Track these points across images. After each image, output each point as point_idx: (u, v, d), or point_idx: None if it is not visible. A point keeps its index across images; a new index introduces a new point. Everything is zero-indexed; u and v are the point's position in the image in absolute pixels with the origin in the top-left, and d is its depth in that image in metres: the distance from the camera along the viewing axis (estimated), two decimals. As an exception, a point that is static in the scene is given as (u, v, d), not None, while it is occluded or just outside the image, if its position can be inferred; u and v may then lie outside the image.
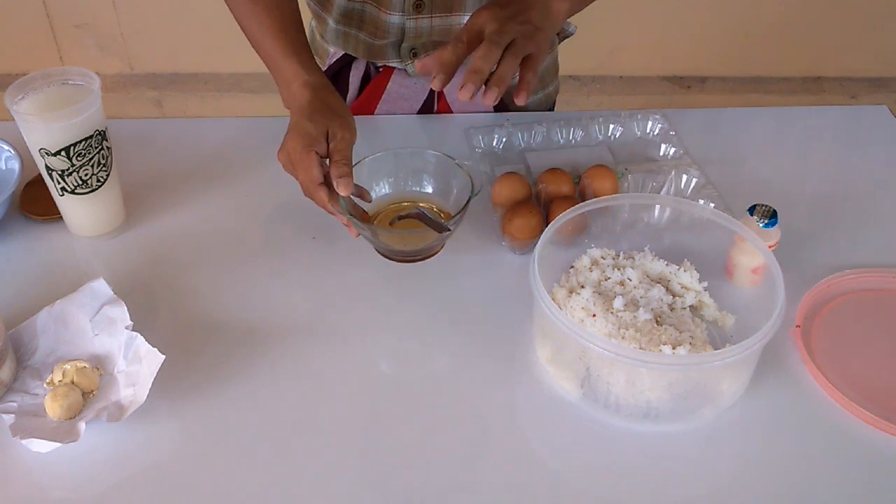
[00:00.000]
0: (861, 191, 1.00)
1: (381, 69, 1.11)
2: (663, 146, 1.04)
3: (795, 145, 1.10)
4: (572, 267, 0.84)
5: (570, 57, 2.67)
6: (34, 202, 0.94)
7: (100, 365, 0.77)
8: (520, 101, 0.77)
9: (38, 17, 2.62)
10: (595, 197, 0.86)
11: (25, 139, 0.84)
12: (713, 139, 1.09)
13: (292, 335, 0.81)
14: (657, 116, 1.08)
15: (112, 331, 0.78)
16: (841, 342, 0.80)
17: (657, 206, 0.88)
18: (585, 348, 0.70)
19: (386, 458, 0.70)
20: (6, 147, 0.97)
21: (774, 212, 0.84)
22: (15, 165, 0.95)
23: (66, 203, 0.89)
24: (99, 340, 0.78)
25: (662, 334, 0.74)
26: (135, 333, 0.75)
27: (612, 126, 1.07)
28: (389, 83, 1.11)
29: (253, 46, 0.94)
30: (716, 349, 0.76)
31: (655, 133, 1.07)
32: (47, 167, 0.85)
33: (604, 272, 0.82)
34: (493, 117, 1.12)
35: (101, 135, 0.86)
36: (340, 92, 1.13)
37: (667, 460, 0.71)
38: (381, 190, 0.89)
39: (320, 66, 1.15)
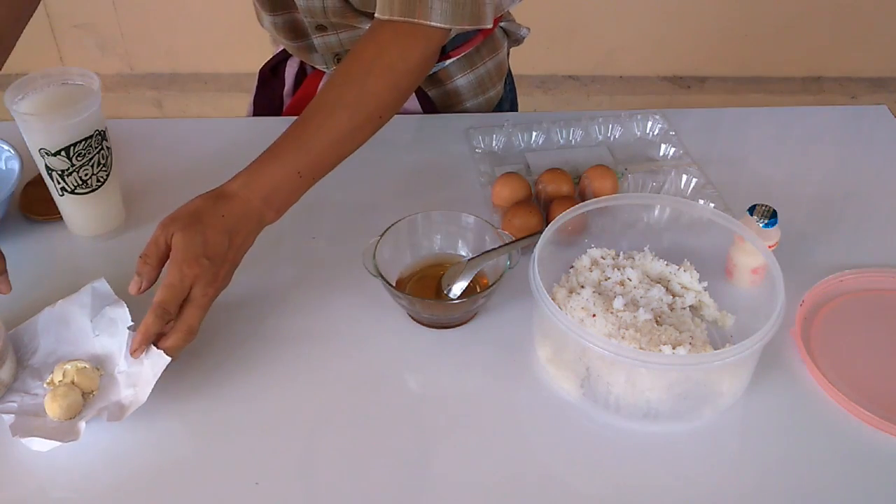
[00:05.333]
0: (861, 191, 1.00)
1: (315, 68, 1.12)
2: (663, 146, 1.04)
3: (795, 145, 1.10)
4: (572, 267, 0.84)
5: (570, 57, 2.70)
6: (34, 202, 0.94)
7: (100, 365, 0.77)
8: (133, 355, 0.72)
9: (38, 17, 2.60)
10: (595, 197, 0.86)
11: (25, 139, 0.84)
12: (713, 139, 1.09)
13: (292, 334, 0.81)
14: (657, 116, 1.08)
15: (113, 331, 0.78)
16: (841, 342, 0.80)
17: (657, 206, 0.88)
18: (585, 348, 0.70)
19: (384, 457, 0.70)
20: (6, 147, 0.97)
21: (774, 212, 0.84)
22: (15, 165, 0.95)
23: (66, 203, 0.89)
24: (100, 341, 0.78)
25: (662, 334, 0.74)
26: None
27: (612, 126, 1.07)
28: (322, 83, 1.12)
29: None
30: (716, 349, 0.76)
31: (655, 133, 1.07)
32: (47, 167, 0.85)
33: (604, 272, 0.82)
34: (492, 117, 1.12)
35: (101, 135, 0.86)
36: (278, 86, 1.16)
37: (667, 460, 0.70)
38: (415, 252, 0.86)
39: (275, 51, 1.17)
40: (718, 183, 0.97)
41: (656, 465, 0.70)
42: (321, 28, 1.03)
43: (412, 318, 0.82)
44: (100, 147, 0.87)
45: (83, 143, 0.84)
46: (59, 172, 0.85)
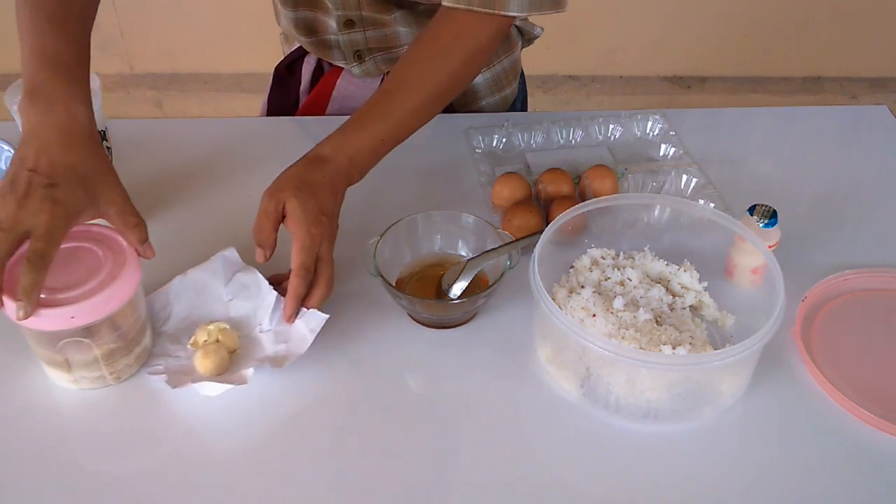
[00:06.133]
0: (861, 191, 1.01)
1: (332, 65, 1.12)
2: (663, 146, 1.04)
3: (795, 145, 1.10)
4: (572, 267, 0.84)
5: (570, 57, 2.70)
6: (34, 202, 0.94)
7: (236, 327, 0.80)
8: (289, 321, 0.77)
9: (38, 17, 2.61)
10: (595, 197, 0.86)
11: (25, 139, 0.84)
12: (713, 139, 1.09)
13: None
14: (657, 116, 1.08)
15: (246, 295, 0.81)
16: (841, 342, 0.80)
17: (657, 206, 0.88)
18: (585, 348, 0.70)
19: (383, 456, 0.70)
20: (6, 147, 0.97)
21: (774, 212, 0.84)
22: (15, 165, 0.95)
23: (66, 203, 0.89)
24: (233, 305, 0.81)
25: (662, 334, 0.74)
26: (283, 297, 0.78)
27: (612, 126, 1.07)
28: (339, 80, 1.12)
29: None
30: (716, 349, 0.76)
31: (655, 133, 1.07)
32: (47, 167, 0.85)
33: (604, 272, 0.82)
34: (493, 117, 1.12)
35: (101, 135, 0.86)
36: (294, 84, 1.18)
37: (667, 460, 0.71)
38: (415, 252, 0.86)
39: (287, 51, 1.19)
40: (718, 183, 0.97)
41: (656, 465, 0.70)
42: (349, 24, 1.03)
43: (412, 318, 0.82)
44: (100, 147, 0.86)
45: (83, 143, 0.84)
46: (59, 172, 0.85)
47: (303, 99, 1.17)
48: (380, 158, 0.85)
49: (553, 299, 0.77)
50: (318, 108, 1.14)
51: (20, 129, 0.83)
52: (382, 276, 0.78)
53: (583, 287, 0.79)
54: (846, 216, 0.97)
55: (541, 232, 0.79)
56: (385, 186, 0.99)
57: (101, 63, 2.68)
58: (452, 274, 0.81)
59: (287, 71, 1.19)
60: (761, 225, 0.83)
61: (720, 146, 1.07)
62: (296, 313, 0.77)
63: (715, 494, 0.68)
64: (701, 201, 0.93)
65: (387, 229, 0.82)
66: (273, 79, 1.20)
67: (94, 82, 0.86)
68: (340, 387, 0.76)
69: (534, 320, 0.80)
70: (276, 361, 0.75)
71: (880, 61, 2.76)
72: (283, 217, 0.78)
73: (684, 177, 0.97)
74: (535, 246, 0.77)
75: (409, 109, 0.85)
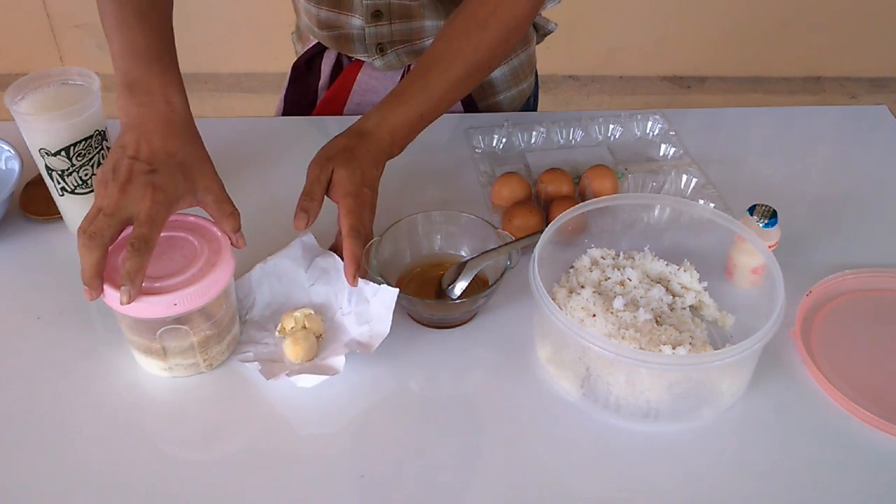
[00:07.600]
0: (861, 191, 1.01)
1: (352, 59, 1.12)
2: (663, 146, 1.04)
3: (795, 145, 1.10)
4: (572, 267, 0.84)
5: (570, 57, 2.70)
6: (34, 202, 0.94)
7: (318, 311, 0.80)
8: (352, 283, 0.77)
9: (38, 17, 2.62)
10: (595, 197, 0.86)
11: (25, 139, 0.84)
12: (713, 139, 1.09)
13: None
14: (657, 116, 1.08)
15: (326, 280, 0.82)
16: (841, 342, 0.80)
17: (657, 206, 0.88)
18: (585, 348, 0.70)
19: (382, 457, 0.70)
20: (6, 147, 0.97)
21: (774, 212, 0.84)
22: (15, 165, 0.95)
23: (66, 203, 0.89)
24: (315, 290, 0.82)
25: (662, 334, 0.74)
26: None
27: (612, 126, 1.07)
28: (360, 74, 1.12)
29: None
30: (716, 349, 0.76)
31: (655, 133, 1.07)
32: (47, 167, 0.85)
33: (604, 272, 0.82)
34: (493, 117, 1.12)
35: (101, 135, 0.86)
36: (312, 80, 1.17)
37: (667, 460, 0.71)
38: (415, 252, 0.87)
39: (300, 50, 1.19)
40: (718, 183, 0.97)
41: (656, 465, 0.70)
42: (376, 15, 1.03)
43: (412, 318, 0.82)
44: (100, 147, 0.87)
45: (83, 143, 0.85)
46: (59, 172, 0.85)
47: (321, 94, 1.17)
48: (418, 132, 0.87)
49: (553, 299, 0.77)
50: (337, 102, 1.14)
51: (21, 129, 0.83)
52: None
53: (583, 287, 0.79)
54: (846, 216, 0.97)
55: (541, 232, 0.79)
56: (385, 186, 0.99)
57: (101, 63, 2.67)
58: (452, 274, 0.81)
59: (306, 67, 1.19)
60: (761, 225, 0.83)
61: (720, 146, 1.08)
62: (355, 275, 0.77)
63: (715, 494, 0.68)
64: (701, 201, 0.93)
65: (387, 229, 0.82)
66: (290, 75, 1.20)
67: (94, 82, 0.86)
68: (339, 386, 0.76)
69: (534, 320, 0.80)
70: (363, 346, 0.76)
71: (880, 61, 2.76)
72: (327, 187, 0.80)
73: (684, 177, 0.97)
74: (535, 246, 0.77)
75: (448, 84, 0.86)
